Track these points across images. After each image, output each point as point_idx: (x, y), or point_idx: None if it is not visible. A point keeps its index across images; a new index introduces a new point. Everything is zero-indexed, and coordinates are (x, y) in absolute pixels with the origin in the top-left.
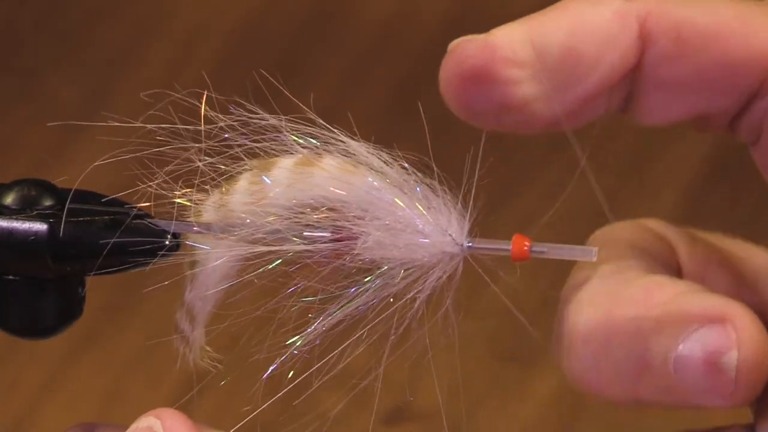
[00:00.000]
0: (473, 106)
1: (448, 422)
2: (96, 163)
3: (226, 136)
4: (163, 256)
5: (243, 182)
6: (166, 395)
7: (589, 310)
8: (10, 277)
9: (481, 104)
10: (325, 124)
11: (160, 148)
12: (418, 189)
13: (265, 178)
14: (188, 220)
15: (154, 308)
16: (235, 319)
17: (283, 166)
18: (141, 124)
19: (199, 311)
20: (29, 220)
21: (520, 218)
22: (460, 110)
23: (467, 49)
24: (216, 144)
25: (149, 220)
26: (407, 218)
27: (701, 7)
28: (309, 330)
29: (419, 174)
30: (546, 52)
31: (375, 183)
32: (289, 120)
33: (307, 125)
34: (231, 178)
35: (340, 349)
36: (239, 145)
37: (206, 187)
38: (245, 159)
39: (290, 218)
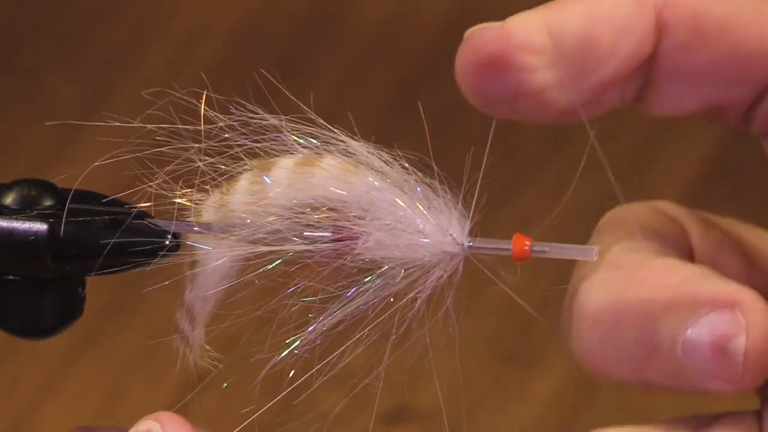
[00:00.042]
0: (489, 94)
1: (448, 422)
2: (96, 164)
3: (227, 136)
4: (163, 256)
5: (243, 182)
6: (166, 395)
7: (599, 291)
8: (10, 277)
9: (497, 91)
10: (325, 124)
11: (160, 148)
12: (418, 189)
13: (266, 178)
14: (188, 220)
15: (154, 308)
16: (235, 320)
17: (284, 166)
18: (141, 124)
19: (200, 311)
20: (29, 220)
21: (521, 218)
22: (476, 98)
23: (483, 36)
24: (216, 144)
25: (149, 220)
26: (408, 218)
27: None
28: (309, 330)
29: (419, 174)
30: (562, 40)
31: (375, 183)
32: (290, 120)
33: (307, 125)
34: (231, 178)
35: (341, 349)
36: (239, 145)
37: (206, 187)
38: (245, 159)
39: (291, 218)
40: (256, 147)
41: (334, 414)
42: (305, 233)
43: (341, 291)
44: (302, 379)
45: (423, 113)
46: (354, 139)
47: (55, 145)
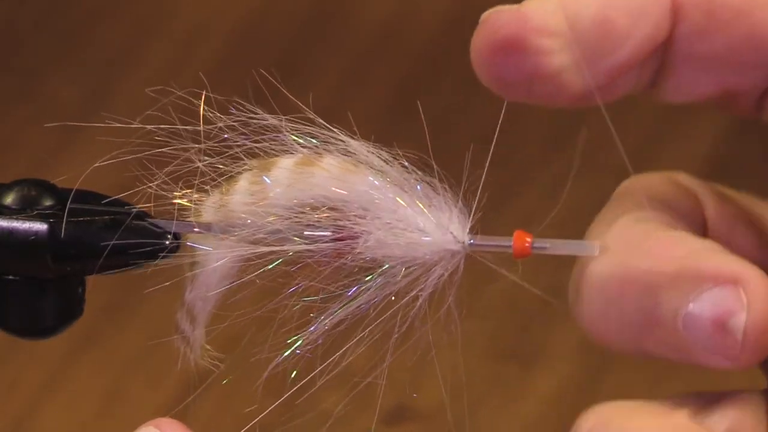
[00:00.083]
0: (505, 77)
1: (450, 421)
2: (96, 164)
3: (226, 136)
4: (163, 256)
5: (243, 182)
6: (166, 395)
7: (605, 259)
8: (10, 277)
9: (513, 74)
10: (325, 123)
11: (160, 149)
12: (418, 187)
13: (266, 178)
14: (188, 220)
15: (154, 308)
16: (235, 320)
17: (284, 166)
18: (141, 125)
19: (200, 311)
20: (29, 220)
21: (521, 218)
22: (492, 81)
23: (499, 19)
24: (216, 144)
25: (149, 220)
26: (408, 216)
27: None
28: (311, 329)
29: (419, 172)
30: (578, 23)
31: (375, 182)
32: (289, 120)
33: (307, 125)
34: (231, 178)
35: (343, 349)
36: (239, 145)
37: (206, 187)
38: (245, 159)
39: (291, 218)
40: (256, 147)
41: (336, 413)
42: (305, 233)
43: (342, 290)
44: (305, 380)
45: (423, 113)
46: (354, 138)
47: (55, 145)
